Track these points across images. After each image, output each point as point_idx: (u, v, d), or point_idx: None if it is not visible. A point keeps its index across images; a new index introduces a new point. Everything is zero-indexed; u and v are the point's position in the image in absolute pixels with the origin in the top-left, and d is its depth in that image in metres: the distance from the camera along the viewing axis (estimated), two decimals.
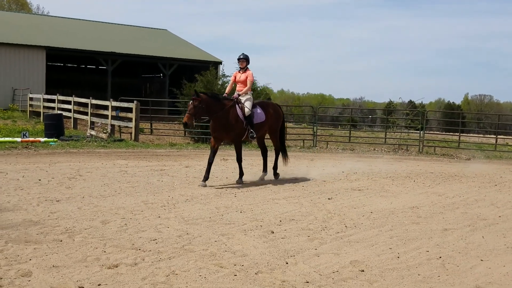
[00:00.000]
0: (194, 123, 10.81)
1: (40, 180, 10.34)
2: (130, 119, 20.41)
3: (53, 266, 5.27)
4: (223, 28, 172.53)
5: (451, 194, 10.68)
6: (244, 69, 11.33)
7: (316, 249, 6.29)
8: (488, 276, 5.63)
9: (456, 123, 26.37)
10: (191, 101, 10.46)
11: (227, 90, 11.56)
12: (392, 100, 42.81)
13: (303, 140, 22.43)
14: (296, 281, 5.19)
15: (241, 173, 11.14)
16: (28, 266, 5.22)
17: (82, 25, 42.90)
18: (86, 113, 23.55)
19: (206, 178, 10.54)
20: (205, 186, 10.35)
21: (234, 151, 11.29)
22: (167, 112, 28.95)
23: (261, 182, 11.41)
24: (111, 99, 22.26)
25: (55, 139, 18.49)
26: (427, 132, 24.77)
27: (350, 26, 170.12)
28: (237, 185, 10.75)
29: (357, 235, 7.04)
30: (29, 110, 29.62)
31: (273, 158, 12.16)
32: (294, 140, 22.47)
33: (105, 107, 21.94)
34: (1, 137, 18.70)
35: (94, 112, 22.84)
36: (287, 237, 6.77)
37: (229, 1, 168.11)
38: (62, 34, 37.95)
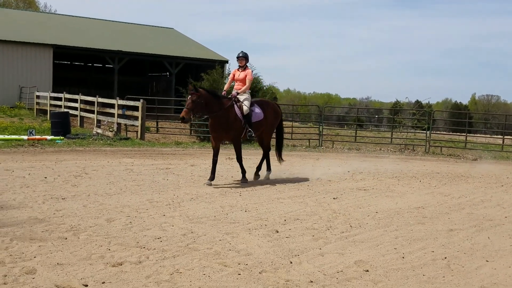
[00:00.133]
0: (192, 118, 10.71)
1: (46, 178, 10.38)
2: (136, 118, 20.44)
3: (58, 263, 5.28)
4: (230, 27, 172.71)
5: (457, 195, 10.64)
6: (243, 67, 11.26)
7: (320, 249, 6.28)
8: (494, 277, 5.60)
9: (463, 123, 26.25)
10: (189, 96, 10.33)
11: (225, 88, 11.41)
12: (398, 100, 42.62)
13: (309, 139, 22.40)
14: (300, 280, 5.18)
15: (244, 171, 11.10)
16: (32, 264, 5.23)
17: (89, 24, 43.05)
18: (92, 112, 23.62)
19: (212, 178, 10.53)
20: (211, 185, 10.34)
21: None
22: (173, 110, 28.99)
23: (266, 181, 11.39)
24: (118, 98, 22.31)
25: (61, 137, 18.54)
26: (434, 132, 24.66)
27: (357, 25, 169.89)
28: (242, 184, 10.74)
29: (362, 235, 7.02)
30: (36, 108, 29.77)
31: (275, 159, 12.08)
32: (300, 139, 22.43)
33: (112, 106, 22.00)
34: (8, 135, 18.79)
35: (100, 110, 22.90)
36: (291, 237, 6.76)
37: (236, 0, 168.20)
38: (69, 33, 38.09)
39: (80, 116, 24.70)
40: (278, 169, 12.78)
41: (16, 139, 17.34)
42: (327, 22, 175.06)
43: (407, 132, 24.15)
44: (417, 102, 32.48)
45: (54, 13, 55.18)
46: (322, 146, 21.60)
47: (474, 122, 35.12)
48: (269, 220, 7.62)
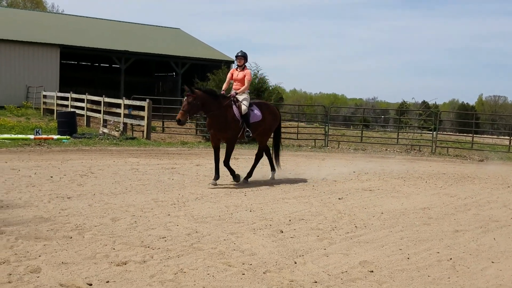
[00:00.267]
0: (188, 120, 10.54)
1: (52, 177, 10.42)
2: (142, 117, 20.49)
3: (62, 262, 5.29)
4: (236, 27, 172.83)
5: (463, 196, 10.59)
6: (241, 67, 11.16)
7: (325, 249, 6.26)
8: (499, 278, 5.57)
9: (470, 124, 26.13)
10: (185, 98, 10.23)
11: (223, 87, 11.30)
12: (405, 100, 42.55)
13: (315, 139, 22.37)
14: (304, 281, 5.17)
15: (232, 172, 10.72)
16: (37, 263, 5.25)
17: (96, 24, 43.21)
18: (99, 111, 23.70)
19: (216, 177, 10.53)
20: (216, 185, 10.34)
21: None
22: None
23: (271, 181, 11.38)
24: (124, 98, 22.37)
25: (67, 137, 18.62)
26: (440, 133, 24.58)
27: (364, 25, 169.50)
28: (247, 184, 10.73)
29: (367, 236, 6.99)
30: (43, 108, 29.90)
31: (279, 158, 12.01)
32: (306, 139, 22.40)
33: (118, 105, 22.06)
34: (15, 134, 18.87)
35: (106, 110, 22.97)
36: (296, 237, 6.75)
37: (242, 0, 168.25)
38: (76, 33, 38.24)
39: (87, 115, 24.79)
40: (283, 169, 12.76)
41: (22, 139, 17.42)
42: (334, 22, 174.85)
43: (414, 133, 24.07)
44: (424, 102, 32.39)
45: (61, 13, 55.41)
46: (328, 146, 21.56)
47: (481, 123, 34.99)
48: (274, 220, 7.61)
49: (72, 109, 24.35)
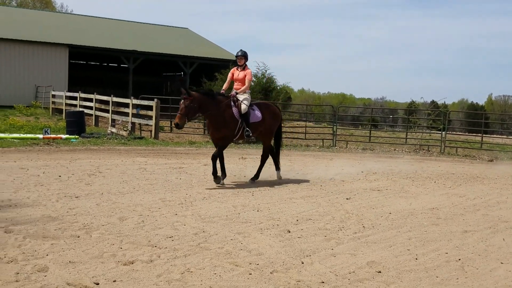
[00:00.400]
0: (186, 123, 10.28)
1: (60, 176, 10.46)
2: (150, 117, 20.53)
3: (70, 261, 5.31)
4: (243, 26, 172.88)
5: (472, 196, 10.52)
6: (242, 66, 11.08)
7: (332, 249, 6.23)
8: (508, 279, 5.51)
9: (479, 124, 25.98)
10: (182, 101, 10.02)
11: (224, 87, 11.19)
12: (414, 100, 42.35)
13: (323, 139, 22.31)
14: (311, 281, 5.15)
15: (215, 171, 10.26)
16: (44, 262, 5.26)
17: (105, 24, 43.38)
18: (107, 111, 23.76)
19: (223, 176, 10.52)
20: (223, 184, 10.33)
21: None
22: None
23: (278, 180, 11.35)
24: (132, 97, 22.43)
25: (76, 136, 18.70)
26: (449, 132, 24.44)
27: (372, 25, 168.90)
28: (254, 184, 10.71)
29: (374, 236, 6.96)
30: (52, 107, 30.04)
31: (279, 158, 11.94)
32: (314, 139, 22.36)
33: (126, 105, 22.11)
34: (24, 134, 18.98)
35: (115, 109, 23.03)
36: (303, 237, 6.73)
37: (244, 1, 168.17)
38: (84, 32, 38.41)
39: (95, 115, 24.89)
40: (291, 169, 12.75)
41: (31, 138, 17.51)
42: (343, 22, 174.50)
43: (422, 133, 23.95)
44: (433, 102, 32.26)
45: (70, 13, 55.70)
46: (336, 146, 21.50)
47: (490, 122, 34.78)
48: (281, 220, 7.60)
49: (81, 109, 24.45)
